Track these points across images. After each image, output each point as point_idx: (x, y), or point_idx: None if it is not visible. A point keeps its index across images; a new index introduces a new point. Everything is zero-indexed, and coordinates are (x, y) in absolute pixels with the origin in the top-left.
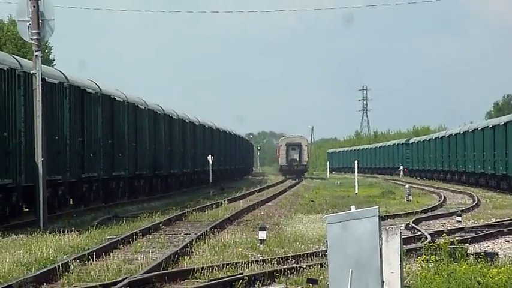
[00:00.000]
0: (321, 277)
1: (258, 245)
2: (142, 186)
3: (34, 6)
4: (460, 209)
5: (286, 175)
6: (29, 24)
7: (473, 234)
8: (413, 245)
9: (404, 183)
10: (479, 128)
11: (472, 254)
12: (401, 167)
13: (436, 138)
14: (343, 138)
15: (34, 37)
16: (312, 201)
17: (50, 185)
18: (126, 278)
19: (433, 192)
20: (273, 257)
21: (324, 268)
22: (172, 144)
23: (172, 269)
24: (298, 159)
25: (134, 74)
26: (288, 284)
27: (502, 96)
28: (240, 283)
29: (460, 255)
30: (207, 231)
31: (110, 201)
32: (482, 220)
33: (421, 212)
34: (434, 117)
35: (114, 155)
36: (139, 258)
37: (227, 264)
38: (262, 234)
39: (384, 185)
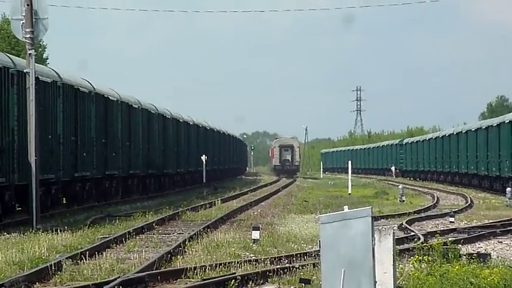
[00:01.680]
0: (313, 277)
1: (251, 244)
2: (136, 186)
3: (28, 5)
4: (453, 210)
5: (280, 174)
6: (23, 22)
7: (466, 235)
8: (406, 246)
9: (397, 184)
10: (473, 129)
11: (464, 255)
12: (393, 168)
13: (429, 139)
14: (337, 138)
15: (27, 36)
16: (306, 201)
17: (43, 184)
18: (119, 277)
19: (426, 193)
20: (266, 257)
21: (316, 268)
22: (166, 144)
23: (165, 268)
24: (290, 159)
25: (128, 73)
26: (280, 283)
27: (496, 98)
28: (232, 283)
29: (452, 256)
30: (200, 230)
31: (103, 200)
32: (475, 221)
33: (414, 212)
34: (428, 118)
35: (107, 154)
36: (132, 258)
37: (220, 264)
38: (256, 234)
39: (378, 185)
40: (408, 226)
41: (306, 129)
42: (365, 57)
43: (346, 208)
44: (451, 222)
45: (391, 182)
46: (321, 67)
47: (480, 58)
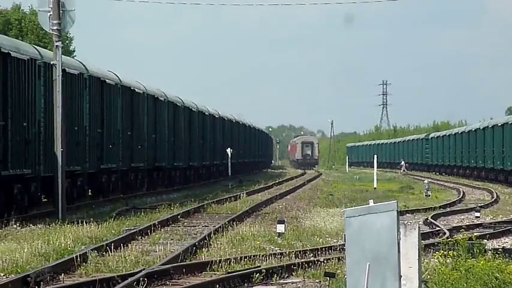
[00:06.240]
0: (338, 271)
1: (276, 238)
2: (161, 178)
3: None
4: (479, 204)
5: (301, 167)
6: (50, 14)
7: (491, 230)
8: (431, 240)
9: (423, 179)
10: (499, 124)
11: (490, 250)
12: (403, 162)
13: (455, 133)
14: (363, 132)
15: (55, 27)
16: (331, 195)
17: (69, 176)
18: (144, 269)
19: (452, 187)
20: (291, 251)
21: (341, 262)
22: (191, 137)
23: (190, 261)
24: (311, 154)
25: (154, 66)
26: (305, 277)
27: None
28: (257, 276)
29: (478, 251)
30: (225, 223)
31: (129, 192)
32: (501, 216)
33: (440, 207)
34: (454, 112)
35: (133, 146)
36: (157, 250)
37: (245, 257)
38: (281, 228)
39: (403, 180)
40: (433, 221)
41: (332, 123)
42: (391, 51)
43: (371, 202)
44: (476, 217)
45: (417, 177)
46: (347, 61)
47: (508, 52)
